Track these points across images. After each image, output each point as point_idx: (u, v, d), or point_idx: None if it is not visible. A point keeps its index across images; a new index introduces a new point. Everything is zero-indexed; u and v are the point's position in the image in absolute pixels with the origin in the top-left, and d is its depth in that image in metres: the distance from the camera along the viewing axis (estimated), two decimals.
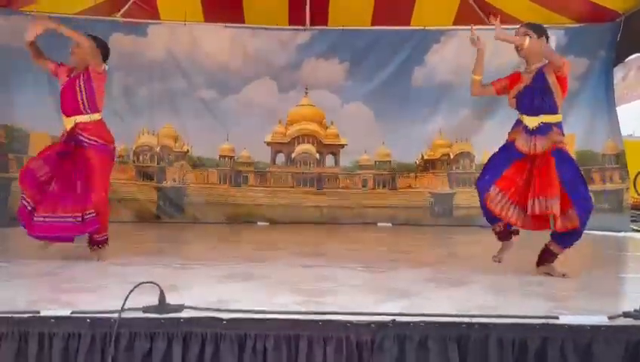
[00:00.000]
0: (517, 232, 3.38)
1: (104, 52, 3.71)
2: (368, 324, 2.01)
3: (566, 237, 3.27)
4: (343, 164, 7.30)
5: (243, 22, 7.26)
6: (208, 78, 7.18)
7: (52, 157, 3.54)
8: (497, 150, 3.42)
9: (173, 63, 7.15)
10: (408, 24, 7.20)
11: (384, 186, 7.21)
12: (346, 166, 7.29)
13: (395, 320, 2.03)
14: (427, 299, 2.53)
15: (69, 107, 3.56)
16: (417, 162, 7.22)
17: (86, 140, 3.52)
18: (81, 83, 3.55)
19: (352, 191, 7.24)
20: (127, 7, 7.20)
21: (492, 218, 3.34)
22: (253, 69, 7.21)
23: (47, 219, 3.43)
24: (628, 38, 6.49)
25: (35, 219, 3.44)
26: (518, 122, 3.37)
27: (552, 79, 3.27)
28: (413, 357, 1.96)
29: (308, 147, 7.36)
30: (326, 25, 7.28)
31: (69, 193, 3.48)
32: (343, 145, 7.31)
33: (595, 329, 2.04)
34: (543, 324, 2.06)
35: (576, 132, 6.75)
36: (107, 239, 3.71)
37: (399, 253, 4.35)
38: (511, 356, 2.00)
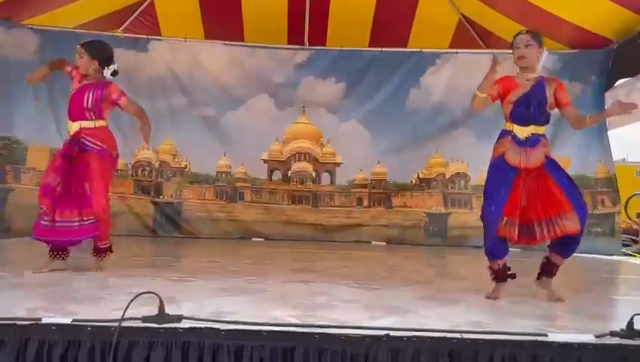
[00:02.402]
0: (514, 276, 3.23)
1: (102, 58, 3.72)
2: (363, 338, 2.06)
3: (565, 247, 3.17)
4: (339, 183, 7.38)
5: (243, 40, 7.40)
6: (207, 95, 7.27)
7: (59, 164, 3.59)
8: (490, 171, 3.24)
9: (173, 80, 7.25)
10: (405, 46, 7.35)
11: (379, 205, 7.28)
12: (342, 184, 7.36)
13: (388, 334, 2.07)
14: (419, 315, 2.58)
15: (76, 112, 3.62)
16: (413, 181, 7.30)
17: (89, 144, 3.57)
18: (91, 93, 3.61)
19: (347, 210, 7.30)
20: (128, 22, 7.32)
21: (496, 252, 3.17)
22: (252, 87, 7.31)
23: (48, 224, 3.47)
24: (619, 64, 6.65)
25: (41, 222, 3.48)
26: (505, 133, 3.23)
27: (550, 93, 3.21)
28: None
29: (304, 165, 7.44)
30: (324, 45, 7.42)
31: (70, 198, 3.51)
32: (338, 164, 7.40)
33: (583, 346, 2.09)
34: (532, 341, 2.11)
35: (569, 156, 6.87)
36: (109, 247, 3.73)
37: (393, 271, 4.40)
38: None
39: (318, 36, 7.32)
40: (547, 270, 3.27)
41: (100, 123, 3.64)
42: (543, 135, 3.24)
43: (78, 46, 3.70)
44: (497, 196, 3.10)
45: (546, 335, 2.14)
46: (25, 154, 6.84)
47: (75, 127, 3.63)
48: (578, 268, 5.57)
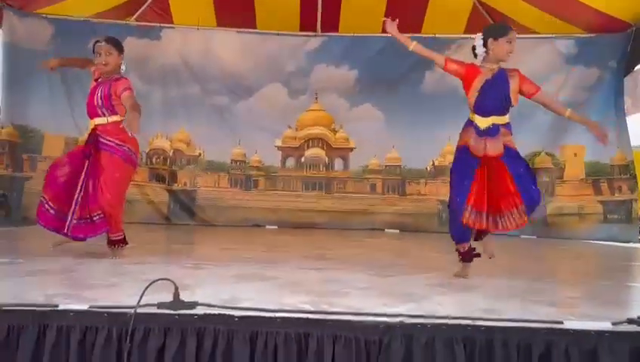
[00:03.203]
0: (479, 255, 3.37)
1: (120, 50, 3.74)
2: (376, 325, 2.06)
3: (461, 236, 3.31)
4: (353, 168, 7.36)
5: (255, 27, 7.37)
6: (220, 83, 7.28)
7: (75, 158, 3.65)
8: (454, 161, 3.37)
9: (185, 68, 7.26)
10: (419, 32, 7.25)
11: (393, 192, 7.26)
12: (356, 170, 7.35)
13: (402, 321, 2.07)
14: (434, 302, 2.57)
15: (91, 109, 3.66)
16: (428, 169, 7.26)
17: (103, 140, 3.61)
18: (100, 90, 3.63)
19: (360, 196, 7.29)
20: (141, 10, 7.32)
21: (461, 237, 3.32)
22: (265, 75, 7.30)
23: (54, 213, 3.55)
24: (638, 48, 6.51)
25: (47, 210, 3.56)
26: (469, 123, 3.33)
27: (514, 86, 3.26)
28: (420, 358, 2.00)
29: (317, 151, 7.43)
30: (337, 32, 7.36)
31: (83, 194, 3.56)
32: (352, 149, 7.38)
33: (600, 334, 2.07)
34: (548, 329, 2.09)
35: (585, 143, 6.78)
36: (123, 238, 3.75)
37: (406, 259, 4.40)
38: (516, 359, 2.03)
39: (331, 23, 7.26)
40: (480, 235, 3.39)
41: (114, 118, 3.61)
42: (505, 125, 3.30)
43: (104, 43, 3.64)
44: (461, 186, 3.23)
45: (562, 323, 2.12)
46: (41, 143, 6.92)
47: (91, 124, 3.67)
48: (595, 255, 5.53)
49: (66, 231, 3.56)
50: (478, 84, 3.27)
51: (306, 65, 7.33)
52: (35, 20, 6.85)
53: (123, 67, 3.75)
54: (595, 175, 6.86)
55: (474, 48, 3.37)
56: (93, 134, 3.63)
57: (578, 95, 6.87)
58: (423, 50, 3.46)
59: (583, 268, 4.66)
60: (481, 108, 3.27)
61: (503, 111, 3.28)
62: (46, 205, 3.57)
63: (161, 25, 7.25)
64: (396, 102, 7.19)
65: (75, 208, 3.55)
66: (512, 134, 3.32)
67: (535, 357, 2.03)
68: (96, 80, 3.73)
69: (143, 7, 7.33)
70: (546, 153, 6.96)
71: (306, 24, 7.30)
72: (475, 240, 3.40)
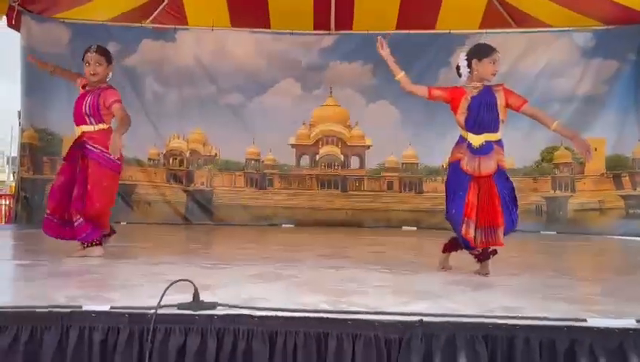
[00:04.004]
0: (495, 252, 3.36)
1: (109, 60, 3.78)
2: (396, 323, 2.05)
3: (467, 244, 3.32)
4: (369, 166, 7.34)
5: (269, 27, 7.38)
6: (235, 83, 7.31)
7: (64, 167, 3.75)
8: (448, 174, 3.45)
9: (200, 68, 7.30)
10: (433, 28, 7.22)
11: (410, 190, 7.22)
12: (372, 168, 7.32)
13: (422, 319, 2.06)
14: (453, 300, 2.56)
15: (78, 117, 3.70)
16: (444, 166, 7.21)
17: (89, 147, 3.64)
18: (89, 99, 3.67)
19: (377, 194, 7.26)
20: (156, 13, 7.39)
21: (469, 245, 3.33)
22: (278, 72, 7.31)
23: (52, 220, 3.68)
24: None
25: (47, 217, 3.68)
26: (461, 140, 3.38)
27: (500, 101, 3.29)
28: (440, 356, 1.99)
29: (332, 148, 7.42)
30: (351, 29, 7.34)
31: (70, 198, 3.62)
32: (368, 147, 7.35)
33: (624, 332, 2.04)
34: (571, 327, 2.06)
35: (605, 136, 6.68)
36: (111, 232, 3.82)
37: (424, 256, 4.37)
38: (539, 357, 2.01)
39: (344, 20, 7.25)
40: (451, 247, 3.49)
41: (100, 126, 3.66)
42: (497, 141, 3.33)
43: (94, 53, 3.68)
44: (456, 198, 3.29)
45: (585, 320, 2.09)
46: (60, 146, 7.01)
47: (78, 131, 3.71)
48: (616, 251, 5.44)
49: (57, 233, 3.70)
50: (464, 103, 3.33)
51: (320, 61, 7.32)
52: (53, 25, 6.95)
53: (110, 75, 3.78)
54: (616, 169, 6.76)
55: (458, 68, 3.45)
56: (80, 141, 3.67)
57: (597, 88, 6.78)
58: (408, 83, 3.55)
59: (604, 264, 4.60)
60: (472, 126, 3.32)
61: (494, 128, 3.31)
62: (49, 216, 3.69)
63: (176, 27, 7.31)
64: (412, 99, 7.13)
65: (63, 211, 3.65)
66: (503, 150, 3.35)
67: (560, 356, 2.01)
68: (83, 87, 3.77)
69: (158, 10, 7.40)
70: (565, 148, 6.87)
71: (320, 24, 7.29)
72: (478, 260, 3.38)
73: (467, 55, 3.38)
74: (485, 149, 3.27)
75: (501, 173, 3.31)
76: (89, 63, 3.67)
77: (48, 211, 3.70)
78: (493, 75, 3.32)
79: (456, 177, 3.34)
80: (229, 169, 7.34)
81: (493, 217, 3.21)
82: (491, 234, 3.22)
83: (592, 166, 6.82)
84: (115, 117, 3.63)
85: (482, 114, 3.28)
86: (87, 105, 3.65)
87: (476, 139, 3.29)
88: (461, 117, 3.35)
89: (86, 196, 3.57)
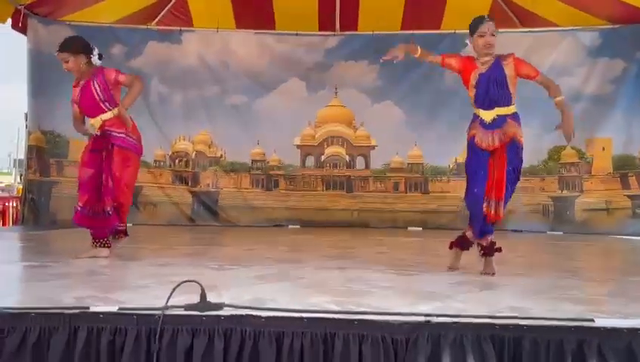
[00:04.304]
0: (500, 250, 3.36)
1: (83, 48, 3.76)
2: (403, 324, 2.05)
3: (484, 228, 3.30)
4: (374, 167, 7.33)
5: (274, 28, 7.39)
6: (239, 84, 7.32)
7: (88, 158, 3.74)
8: (468, 154, 3.40)
9: (206, 70, 7.32)
10: (438, 28, 7.20)
11: (416, 190, 7.21)
12: (377, 168, 7.31)
13: (429, 320, 2.06)
14: (459, 301, 2.55)
15: (92, 109, 3.72)
16: (450, 166, 7.20)
17: (115, 134, 3.69)
18: (95, 84, 3.69)
19: (382, 195, 7.25)
20: (161, 15, 7.41)
21: (482, 230, 3.32)
22: (283, 72, 7.31)
23: (84, 211, 3.66)
24: None
25: (77, 209, 3.67)
26: (475, 116, 3.37)
27: (510, 72, 3.25)
28: (448, 357, 1.99)
29: (337, 149, 7.42)
30: (355, 30, 7.34)
31: (103, 188, 3.65)
32: (373, 147, 7.34)
33: (632, 332, 2.03)
34: (579, 327, 2.06)
35: (612, 136, 6.66)
36: (125, 231, 3.83)
37: (430, 257, 4.36)
38: (547, 358, 2.00)
39: (349, 21, 7.25)
40: (461, 243, 3.45)
41: (116, 111, 3.69)
42: (512, 115, 3.29)
43: (57, 53, 3.74)
44: (477, 177, 3.28)
45: (593, 321, 2.08)
46: (67, 148, 7.05)
47: (97, 122, 3.72)
48: (624, 251, 5.41)
49: (91, 223, 3.69)
50: (473, 79, 3.31)
51: (324, 61, 7.32)
52: (59, 27, 6.97)
53: (95, 59, 3.76)
54: (624, 169, 6.72)
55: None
56: (102, 130, 3.70)
57: (604, 87, 6.75)
58: (425, 55, 3.47)
59: (611, 264, 4.58)
60: (482, 103, 3.30)
61: (506, 102, 3.27)
62: (81, 208, 3.67)
63: (182, 28, 7.33)
64: (417, 99, 7.14)
65: (96, 201, 3.66)
66: (520, 125, 3.30)
67: (568, 356, 2.00)
68: (76, 85, 3.78)
69: (163, 12, 7.43)
70: (571, 147, 6.84)
71: (325, 24, 7.30)
72: (483, 254, 3.37)
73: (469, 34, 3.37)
74: (498, 123, 3.25)
75: (513, 146, 3.26)
76: (63, 63, 3.73)
77: (80, 204, 3.67)
78: (486, 47, 3.25)
79: (475, 157, 3.32)
80: (234, 170, 7.35)
81: (499, 190, 3.21)
82: (497, 207, 3.21)
83: (599, 165, 6.79)
84: (127, 83, 3.71)
85: (491, 90, 3.24)
86: (98, 90, 3.67)
87: (487, 115, 3.27)
88: (470, 93, 3.34)
89: (115, 184, 3.63)
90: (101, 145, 3.70)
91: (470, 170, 3.36)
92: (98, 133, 3.71)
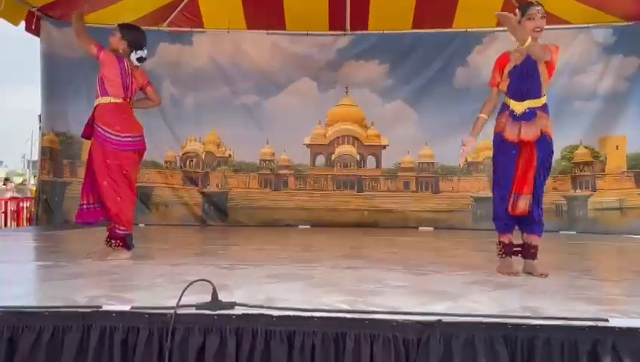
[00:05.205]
0: (518, 253, 3.33)
1: (131, 40, 3.82)
2: (414, 324, 2.04)
3: (526, 225, 3.27)
4: (385, 166, 7.31)
5: (284, 28, 7.40)
6: (250, 84, 7.35)
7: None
8: (494, 150, 3.36)
9: (217, 70, 7.35)
10: (450, 27, 7.17)
11: (427, 189, 7.18)
12: (388, 168, 7.29)
13: (440, 319, 2.05)
14: (471, 300, 2.53)
15: (122, 88, 3.75)
16: (461, 165, 7.16)
17: (96, 125, 3.72)
18: (127, 67, 3.76)
19: (393, 195, 7.23)
20: (172, 16, 7.45)
21: (504, 227, 3.31)
22: (294, 71, 7.32)
23: (85, 207, 3.70)
24: None
25: (82, 206, 3.70)
26: (504, 107, 3.32)
27: (541, 65, 3.21)
28: (459, 357, 1.98)
29: (348, 148, 7.41)
30: (366, 29, 7.34)
31: (90, 179, 3.69)
32: (384, 146, 7.32)
33: None
34: (593, 327, 2.03)
35: (627, 134, 6.58)
36: (126, 238, 3.73)
37: (442, 256, 4.34)
38: (560, 358, 1.98)
39: (360, 21, 7.24)
40: (528, 253, 3.34)
41: (103, 100, 3.75)
42: (542, 107, 3.25)
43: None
44: (504, 176, 3.25)
45: (607, 320, 2.05)
46: (80, 149, 7.11)
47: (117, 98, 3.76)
48: (637, 250, 5.35)
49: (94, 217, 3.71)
50: (506, 71, 3.29)
51: (335, 60, 7.32)
52: (72, 30, 7.03)
53: (134, 56, 3.81)
54: (638, 167, 6.65)
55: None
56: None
57: (618, 85, 6.68)
58: (488, 111, 3.45)
59: (625, 264, 4.52)
60: (515, 94, 3.27)
61: (537, 94, 3.24)
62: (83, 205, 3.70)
63: (193, 30, 7.36)
64: (428, 98, 7.11)
65: (89, 193, 3.68)
66: (549, 116, 3.27)
67: (583, 356, 1.97)
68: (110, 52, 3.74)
69: (174, 13, 7.46)
70: (585, 146, 6.77)
71: (335, 24, 7.29)
72: (523, 256, 3.34)
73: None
74: (528, 116, 3.21)
75: (543, 141, 3.23)
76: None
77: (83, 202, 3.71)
78: (536, 30, 3.18)
79: (502, 155, 3.28)
80: (243, 170, 7.37)
81: (521, 184, 3.18)
82: (516, 200, 3.19)
83: (613, 164, 6.72)
84: (149, 94, 3.97)
85: (525, 82, 3.22)
86: (123, 72, 3.72)
87: (519, 106, 3.23)
88: (503, 84, 3.30)
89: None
90: (87, 135, 3.75)
91: (497, 170, 3.33)
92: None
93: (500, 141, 3.31)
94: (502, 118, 3.31)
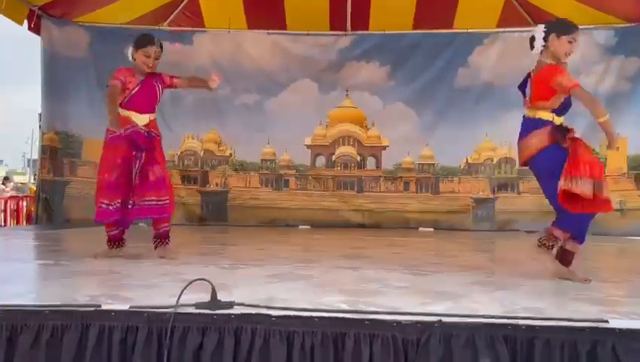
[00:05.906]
0: (552, 247, 3.21)
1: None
2: (414, 324, 2.04)
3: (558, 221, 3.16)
4: (385, 167, 7.31)
5: (285, 28, 7.40)
6: (250, 83, 7.34)
7: (126, 156, 3.71)
8: (549, 157, 3.09)
9: (217, 70, 7.33)
10: (451, 27, 7.17)
11: (427, 190, 7.18)
12: (388, 168, 7.29)
13: (441, 320, 2.04)
14: (472, 301, 2.53)
15: (146, 105, 3.76)
16: (461, 166, 7.16)
17: (155, 135, 3.81)
18: (159, 86, 3.80)
19: (393, 195, 7.23)
20: (173, 16, 7.45)
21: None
22: (295, 72, 7.32)
23: (135, 205, 3.68)
24: None
25: (108, 208, 3.64)
26: (542, 122, 3.09)
27: None
28: (460, 357, 1.97)
29: (348, 149, 7.41)
30: (367, 30, 7.33)
31: (147, 181, 3.71)
32: (384, 147, 7.32)
33: None
34: (593, 328, 2.03)
35: (628, 135, 6.58)
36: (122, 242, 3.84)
37: (442, 257, 4.34)
38: (560, 358, 1.98)
39: (361, 21, 7.24)
40: (565, 259, 3.20)
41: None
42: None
43: (156, 47, 3.72)
44: (558, 172, 3.02)
45: (607, 322, 2.05)
46: (80, 148, 7.11)
47: (144, 119, 3.74)
48: (637, 252, 5.34)
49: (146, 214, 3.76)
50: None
51: (336, 61, 7.32)
52: (73, 28, 7.05)
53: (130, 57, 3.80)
54: (638, 169, 6.64)
55: (532, 39, 3.19)
56: (148, 129, 3.76)
57: (620, 86, 6.68)
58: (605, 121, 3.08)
59: (625, 266, 4.52)
60: (563, 109, 3.12)
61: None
62: (103, 205, 3.64)
63: (193, 29, 7.36)
64: (428, 98, 7.11)
65: (145, 193, 3.70)
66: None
67: (582, 357, 1.97)
68: (131, 75, 3.71)
69: (175, 12, 7.46)
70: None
71: (336, 24, 7.29)
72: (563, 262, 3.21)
73: (546, 27, 3.16)
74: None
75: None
76: (150, 56, 3.70)
77: (105, 202, 3.67)
78: (568, 55, 3.12)
79: (560, 153, 3.02)
80: (244, 169, 7.37)
81: (599, 169, 3.04)
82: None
83: (613, 165, 6.71)
84: (183, 85, 4.08)
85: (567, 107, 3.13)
86: (159, 92, 3.80)
87: (559, 120, 3.12)
88: (559, 99, 3.07)
89: (163, 175, 3.79)
90: (146, 143, 3.73)
91: (557, 168, 3.01)
92: (142, 131, 3.71)
93: (555, 149, 3.06)
94: (550, 133, 3.08)
